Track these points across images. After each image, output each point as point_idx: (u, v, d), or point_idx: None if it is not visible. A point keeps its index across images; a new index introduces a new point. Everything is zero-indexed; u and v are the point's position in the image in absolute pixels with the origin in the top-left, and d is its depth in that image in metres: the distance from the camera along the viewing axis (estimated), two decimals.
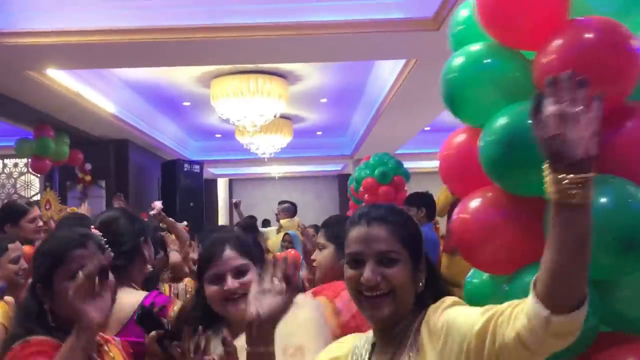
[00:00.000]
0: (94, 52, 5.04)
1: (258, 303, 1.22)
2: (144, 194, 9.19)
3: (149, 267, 2.10)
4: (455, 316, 1.14)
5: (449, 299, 1.21)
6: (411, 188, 5.80)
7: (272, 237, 6.59)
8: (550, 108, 0.94)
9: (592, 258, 1.18)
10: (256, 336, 1.21)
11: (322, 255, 2.19)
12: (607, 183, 1.34)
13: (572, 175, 0.93)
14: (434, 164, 9.00)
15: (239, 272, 1.61)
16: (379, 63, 6.78)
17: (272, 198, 11.68)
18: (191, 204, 9.45)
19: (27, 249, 2.80)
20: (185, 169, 9.45)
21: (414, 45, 5.13)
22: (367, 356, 1.28)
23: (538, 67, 1.45)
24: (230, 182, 15.23)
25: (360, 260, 1.24)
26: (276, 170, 13.77)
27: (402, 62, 5.96)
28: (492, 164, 1.49)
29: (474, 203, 1.56)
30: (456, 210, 1.62)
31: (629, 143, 1.39)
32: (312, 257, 2.31)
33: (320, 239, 2.20)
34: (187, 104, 8.41)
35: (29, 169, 9.47)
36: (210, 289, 1.60)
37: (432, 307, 1.21)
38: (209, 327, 1.59)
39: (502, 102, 1.50)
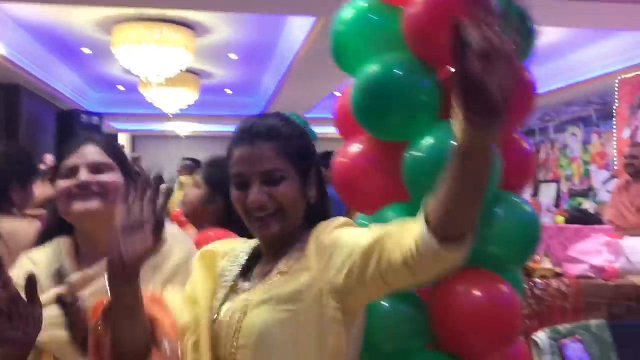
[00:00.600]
0: None
1: (123, 242, 1.05)
2: (38, 144, 8.65)
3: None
4: (343, 234, 1.15)
5: (341, 219, 1.22)
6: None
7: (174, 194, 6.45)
8: (476, 42, 0.84)
9: None
10: (119, 278, 1.06)
11: (193, 194, 2.17)
12: (448, 125, 1.43)
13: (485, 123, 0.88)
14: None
15: (98, 170, 1.42)
16: (291, 20, 6.68)
17: (177, 157, 11.38)
18: None
19: None
20: (83, 120, 8.98)
21: (325, 2, 5.07)
22: (246, 257, 1.29)
23: (405, 18, 1.52)
24: (133, 138, 14.69)
25: (244, 182, 1.21)
26: (182, 128, 13.40)
27: (313, 19, 5.90)
28: (355, 110, 1.56)
29: (351, 148, 1.64)
30: (336, 155, 1.66)
31: None
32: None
33: (198, 177, 2.17)
34: (87, 50, 7.94)
35: None
36: (60, 184, 1.41)
37: (323, 223, 1.21)
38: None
39: (377, 53, 1.55)
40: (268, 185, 1.20)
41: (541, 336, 2.17)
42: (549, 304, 3.03)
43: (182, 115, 10.58)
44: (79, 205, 1.39)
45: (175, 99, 9.21)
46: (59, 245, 1.45)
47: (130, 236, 1.05)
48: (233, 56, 8.29)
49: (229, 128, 13.91)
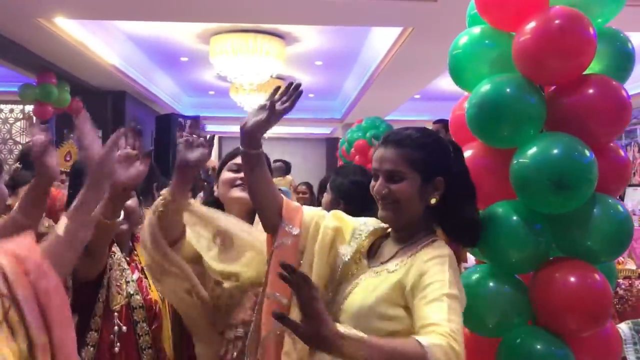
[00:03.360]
0: (102, 3, 5.20)
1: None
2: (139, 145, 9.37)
3: None
4: (436, 272, 1.41)
5: (446, 251, 1.47)
6: None
7: None
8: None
9: (536, 196, 1.65)
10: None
11: (325, 199, 2.49)
12: (552, 136, 1.73)
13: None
14: None
15: None
16: (375, 29, 6.99)
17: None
18: None
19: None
20: (179, 123, 9.64)
21: (411, 14, 5.35)
22: (365, 235, 1.62)
23: (515, 45, 1.79)
24: (220, 139, 15.40)
25: (376, 175, 1.55)
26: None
27: (398, 30, 6.18)
28: (470, 121, 1.84)
29: (465, 154, 1.89)
30: None
31: (582, 106, 1.75)
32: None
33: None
34: (184, 59, 8.55)
35: (24, 115, 9.60)
36: (225, 175, 2.02)
37: (436, 244, 1.50)
38: None
39: (490, 74, 1.83)
40: (390, 182, 1.52)
41: (623, 327, 2.37)
42: (631, 304, 3.15)
43: None
44: (237, 193, 1.99)
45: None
46: None
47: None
48: (318, 63, 8.69)
49: (310, 130, 14.27)
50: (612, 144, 1.82)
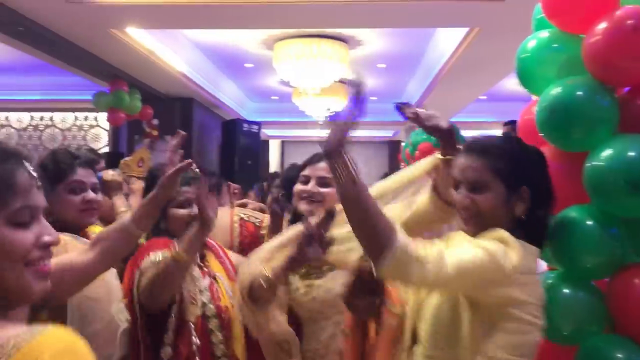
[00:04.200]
0: (170, 13, 5.38)
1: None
2: (206, 151, 9.63)
3: None
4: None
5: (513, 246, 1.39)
6: None
7: None
8: None
9: (612, 199, 1.60)
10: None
11: None
12: (626, 138, 1.68)
13: None
14: (487, 133, 9.10)
15: (323, 183, 1.97)
16: (440, 30, 6.91)
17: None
18: (249, 163, 9.85)
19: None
20: (244, 129, 9.83)
21: (478, 14, 5.27)
22: None
23: (585, 47, 1.74)
24: (283, 143, 15.62)
25: (457, 185, 1.50)
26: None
27: (464, 30, 6.09)
28: (539, 125, 1.79)
29: None
30: None
31: None
32: None
33: None
34: (249, 65, 8.72)
35: (98, 122, 10.05)
36: (296, 187, 2.02)
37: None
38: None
39: (559, 77, 1.79)
40: (473, 192, 1.46)
41: None
42: None
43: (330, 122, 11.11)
44: (304, 206, 1.96)
45: (326, 107, 9.76)
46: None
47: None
48: (381, 65, 8.67)
49: (372, 133, 14.29)
50: None
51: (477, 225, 1.45)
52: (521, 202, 1.46)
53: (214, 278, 2.06)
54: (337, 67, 7.40)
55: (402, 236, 1.30)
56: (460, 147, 1.61)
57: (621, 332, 1.66)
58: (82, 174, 1.95)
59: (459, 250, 1.36)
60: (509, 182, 1.45)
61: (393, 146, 14.01)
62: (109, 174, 2.96)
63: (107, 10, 5.22)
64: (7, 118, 10.17)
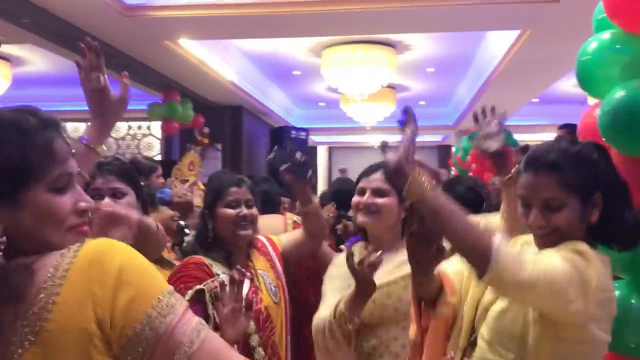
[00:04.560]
0: (221, 24, 5.47)
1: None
2: (255, 158, 9.74)
3: None
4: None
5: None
6: None
7: None
8: None
9: None
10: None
11: None
12: None
13: None
14: (540, 137, 8.94)
15: (379, 194, 1.98)
16: (491, 33, 6.79)
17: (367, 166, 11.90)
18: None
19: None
20: (293, 136, 9.89)
21: (531, 16, 5.15)
22: None
23: None
24: (330, 149, 15.64)
25: (527, 205, 1.41)
26: (376, 139, 13.97)
27: (515, 33, 5.96)
28: (602, 130, 1.74)
29: None
30: None
31: None
32: None
33: None
34: (297, 72, 8.78)
35: (151, 131, 10.31)
36: (354, 199, 2.02)
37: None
38: None
39: (622, 79, 1.73)
40: (547, 210, 1.37)
41: None
42: None
43: (377, 127, 11.10)
44: (361, 218, 1.97)
45: (373, 112, 9.72)
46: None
47: None
48: (430, 69, 8.58)
49: (421, 138, 14.23)
50: None
51: (553, 242, 1.37)
52: (595, 209, 1.38)
53: (254, 279, 2.06)
54: (384, 72, 7.36)
55: (500, 247, 1.24)
56: (516, 160, 1.58)
57: None
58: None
59: (548, 259, 1.29)
60: (583, 193, 1.37)
61: (443, 151, 13.84)
62: (177, 195, 2.99)
63: (161, 23, 5.35)
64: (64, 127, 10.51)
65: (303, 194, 2.18)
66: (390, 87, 9.19)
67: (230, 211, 2.06)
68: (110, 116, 1.55)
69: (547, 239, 1.38)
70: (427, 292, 1.55)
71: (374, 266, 1.69)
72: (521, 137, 9.47)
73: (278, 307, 2.09)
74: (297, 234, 2.33)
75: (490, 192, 3.07)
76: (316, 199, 2.23)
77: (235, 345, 1.87)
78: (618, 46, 1.83)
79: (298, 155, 2.11)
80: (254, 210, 2.10)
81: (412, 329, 1.62)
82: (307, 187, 2.18)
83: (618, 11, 1.81)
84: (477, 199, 2.36)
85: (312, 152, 14.35)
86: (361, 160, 14.82)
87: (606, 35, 1.86)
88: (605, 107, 1.76)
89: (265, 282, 2.08)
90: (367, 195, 1.96)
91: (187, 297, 1.86)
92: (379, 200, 1.95)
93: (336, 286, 1.91)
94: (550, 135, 10.23)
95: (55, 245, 0.94)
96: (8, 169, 0.90)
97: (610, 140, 1.75)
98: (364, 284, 1.72)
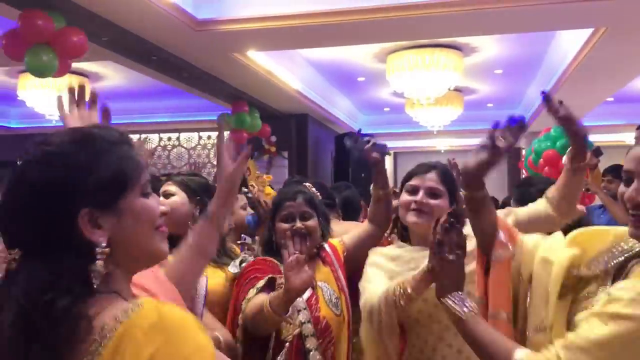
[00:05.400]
0: (288, 35, 5.56)
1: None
2: (320, 165, 9.82)
3: None
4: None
5: None
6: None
7: None
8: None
9: None
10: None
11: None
12: None
13: None
14: (617, 137, 8.57)
15: (433, 194, 1.96)
16: (561, 32, 6.59)
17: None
18: (362, 175, 9.90)
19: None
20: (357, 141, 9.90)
21: (604, 13, 4.97)
22: (623, 256, 1.29)
23: None
24: (395, 155, 15.54)
25: (629, 179, 1.22)
26: (442, 143, 13.78)
27: (588, 31, 5.77)
28: None
29: None
30: None
31: None
32: None
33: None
34: (361, 79, 8.80)
35: (180, 142, 10.59)
36: (402, 197, 1.99)
37: None
38: None
39: None
40: None
41: None
42: None
43: (443, 131, 10.96)
44: (412, 218, 1.91)
45: (440, 116, 9.60)
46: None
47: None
48: (498, 71, 8.41)
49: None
50: None
51: None
52: None
53: (314, 287, 2.05)
54: (451, 75, 7.27)
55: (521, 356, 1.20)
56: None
57: None
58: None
59: (585, 335, 1.12)
60: None
61: (512, 153, 13.50)
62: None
63: (230, 36, 5.50)
64: (139, 139, 10.99)
65: (382, 175, 2.14)
66: (457, 90, 9.05)
67: (284, 225, 2.11)
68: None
69: None
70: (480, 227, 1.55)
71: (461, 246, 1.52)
72: (597, 138, 9.12)
73: (340, 320, 2.06)
74: (360, 229, 2.31)
75: None
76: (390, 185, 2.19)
77: (289, 341, 1.92)
78: None
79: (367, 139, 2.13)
80: (311, 222, 2.11)
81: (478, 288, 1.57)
82: (384, 168, 2.16)
83: None
84: None
85: None
86: None
87: None
88: None
89: (325, 293, 2.06)
90: (420, 194, 1.90)
91: (260, 284, 1.94)
92: (433, 202, 1.90)
93: (384, 275, 1.88)
94: (627, 136, 9.80)
95: (145, 247, 1.00)
96: (111, 180, 0.96)
97: None
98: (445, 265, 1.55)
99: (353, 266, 2.18)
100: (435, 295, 1.39)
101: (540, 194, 2.29)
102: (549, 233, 1.57)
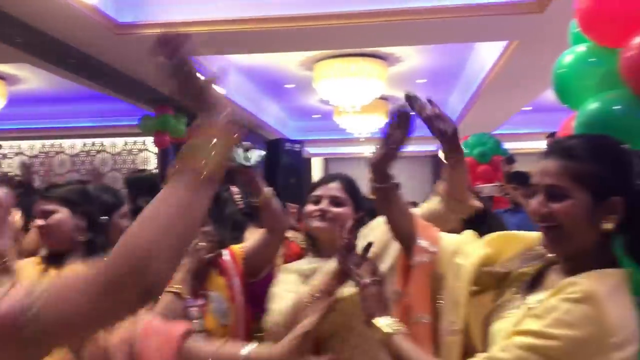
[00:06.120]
0: (214, 40, 5.51)
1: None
2: None
3: None
4: (551, 310, 1.14)
5: (592, 288, 1.13)
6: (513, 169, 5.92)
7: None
8: None
9: None
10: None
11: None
12: None
13: None
14: (534, 145, 8.95)
15: (336, 203, 1.93)
16: (480, 44, 6.89)
17: (364, 177, 11.95)
18: (291, 181, 9.93)
19: None
20: (287, 148, 9.93)
21: (517, 27, 5.24)
22: (537, 260, 1.35)
23: (622, 61, 1.74)
24: (326, 161, 15.71)
25: (535, 191, 1.27)
26: (370, 150, 14.01)
27: (503, 43, 6.06)
28: None
29: None
30: None
31: None
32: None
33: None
34: (290, 86, 8.86)
35: (147, 146, 10.36)
36: (307, 208, 1.96)
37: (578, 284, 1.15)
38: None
39: (597, 92, 1.80)
40: (551, 200, 1.23)
41: None
42: None
43: (372, 138, 11.17)
44: (316, 222, 1.93)
45: (366, 124, 9.80)
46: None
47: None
48: (421, 81, 8.67)
49: (415, 148, 14.22)
50: None
51: (556, 238, 1.24)
52: (612, 215, 1.20)
53: (206, 297, 2.00)
54: (376, 84, 7.45)
55: None
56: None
57: None
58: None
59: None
60: (596, 190, 1.20)
61: (436, 160, 13.91)
62: None
63: (152, 41, 5.40)
64: (60, 145, 10.60)
65: (252, 184, 2.07)
66: (383, 98, 9.27)
67: None
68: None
69: (549, 234, 1.24)
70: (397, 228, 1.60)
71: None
72: (516, 145, 9.56)
73: (226, 330, 1.99)
74: (258, 235, 2.23)
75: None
76: (269, 190, 2.09)
77: None
78: (592, 59, 1.90)
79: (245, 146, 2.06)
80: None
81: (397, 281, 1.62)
82: (256, 176, 2.07)
83: (591, 26, 1.88)
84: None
85: (307, 164, 14.40)
86: (357, 170, 14.97)
87: (581, 48, 1.93)
88: (580, 119, 1.83)
89: (214, 303, 2.00)
90: (323, 202, 1.92)
91: None
92: (335, 209, 1.91)
93: (289, 287, 1.87)
94: (544, 143, 10.31)
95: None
96: None
97: None
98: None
99: (252, 272, 2.14)
100: (364, 321, 1.42)
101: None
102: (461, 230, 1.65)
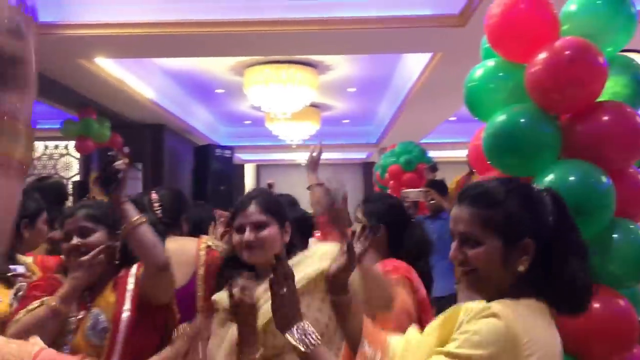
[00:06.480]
0: (139, 43, 5.41)
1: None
2: (178, 177, 9.61)
3: None
4: (468, 333, 1.18)
5: (496, 330, 1.16)
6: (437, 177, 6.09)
7: None
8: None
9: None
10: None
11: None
12: (568, 164, 1.78)
13: None
14: (458, 154, 9.21)
15: (258, 227, 1.87)
16: (407, 55, 7.06)
17: (297, 184, 11.96)
18: (221, 188, 9.82)
19: None
20: (217, 154, 9.82)
21: (440, 40, 5.41)
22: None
23: (527, 76, 1.85)
24: (258, 167, 15.64)
25: (452, 237, 1.33)
26: (303, 157, 14.09)
27: (428, 55, 6.23)
28: (486, 151, 1.90)
29: None
30: None
31: (596, 132, 1.79)
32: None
33: (359, 214, 2.42)
34: (220, 91, 8.77)
35: (69, 151, 9.97)
36: (234, 237, 1.91)
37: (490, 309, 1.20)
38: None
39: (505, 104, 1.90)
40: (466, 246, 1.28)
41: None
42: None
43: (304, 145, 11.22)
44: (246, 255, 1.88)
45: (298, 131, 9.84)
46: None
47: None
48: (351, 89, 8.79)
49: (347, 156, 14.40)
50: (631, 169, 1.83)
51: (474, 281, 1.29)
52: (524, 257, 1.25)
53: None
54: (307, 91, 7.48)
55: None
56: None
57: (568, 352, 1.71)
58: None
59: None
60: (506, 235, 1.26)
61: (367, 168, 14.13)
62: None
63: (75, 42, 5.24)
64: None
65: (118, 207, 1.83)
66: (314, 106, 9.33)
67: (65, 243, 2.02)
68: None
69: (467, 278, 1.30)
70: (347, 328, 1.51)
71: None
72: (439, 154, 9.84)
73: (99, 351, 1.85)
74: (179, 243, 2.19)
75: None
76: (139, 217, 1.83)
77: None
78: (501, 74, 1.99)
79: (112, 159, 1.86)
80: (92, 239, 1.90)
81: None
82: (122, 199, 1.83)
83: (499, 42, 1.97)
84: (401, 216, 2.36)
85: (239, 170, 14.28)
86: (289, 177, 15.04)
87: (490, 63, 2.02)
88: (488, 130, 1.90)
89: (90, 321, 1.89)
90: (246, 233, 1.86)
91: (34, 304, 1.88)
92: (260, 235, 1.86)
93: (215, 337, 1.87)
94: (466, 152, 10.68)
95: None
96: None
97: (493, 162, 1.89)
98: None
99: (149, 297, 1.95)
100: (277, 328, 1.38)
101: (387, 209, 2.35)
102: None
